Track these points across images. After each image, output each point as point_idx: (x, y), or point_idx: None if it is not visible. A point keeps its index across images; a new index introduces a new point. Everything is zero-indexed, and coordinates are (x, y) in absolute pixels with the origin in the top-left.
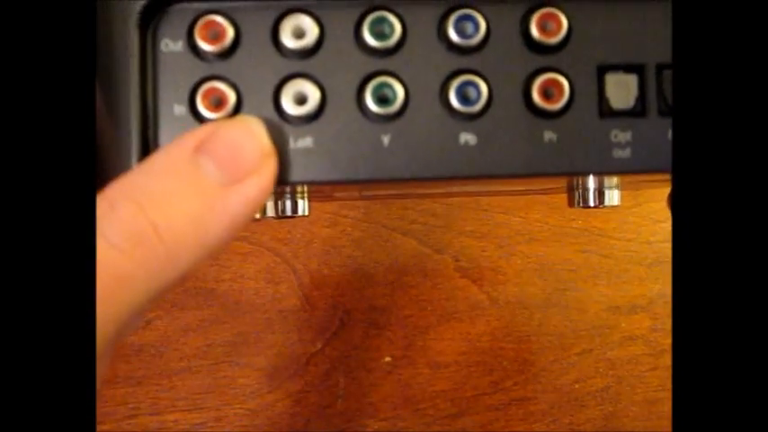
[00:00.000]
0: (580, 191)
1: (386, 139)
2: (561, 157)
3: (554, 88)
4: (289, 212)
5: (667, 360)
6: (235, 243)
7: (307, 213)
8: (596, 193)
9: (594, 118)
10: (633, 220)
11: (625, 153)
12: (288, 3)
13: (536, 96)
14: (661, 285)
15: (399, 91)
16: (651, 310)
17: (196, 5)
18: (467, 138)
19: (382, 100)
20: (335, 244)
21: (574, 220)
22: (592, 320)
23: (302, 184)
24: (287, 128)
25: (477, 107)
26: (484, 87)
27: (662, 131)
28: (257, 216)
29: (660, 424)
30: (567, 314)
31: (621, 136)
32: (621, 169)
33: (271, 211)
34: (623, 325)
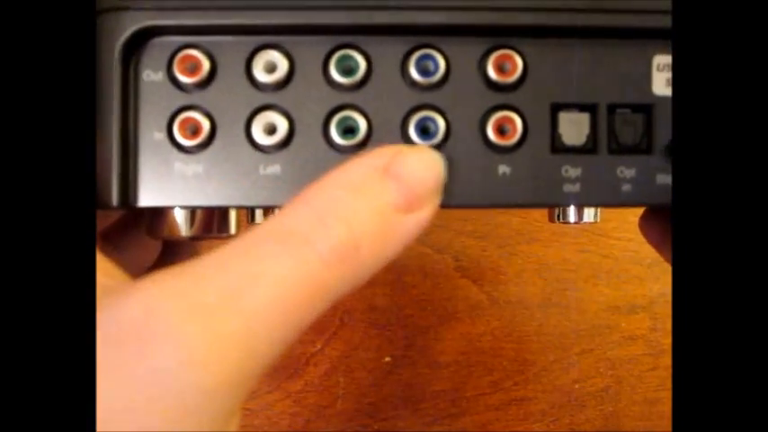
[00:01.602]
0: (561, 207)
1: None
2: (514, 189)
3: (508, 125)
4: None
5: (667, 360)
6: None
7: None
8: (576, 209)
9: (546, 153)
10: (633, 220)
11: (575, 187)
12: (261, 38)
13: (491, 132)
14: (661, 285)
15: (362, 124)
16: (651, 310)
17: (176, 39)
18: None
19: (347, 132)
20: None
21: None
22: (592, 320)
23: (271, 207)
24: (256, 155)
25: (436, 141)
26: (442, 122)
27: (610, 167)
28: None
29: (660, 424)
30: (567, 314)
31: (572, 171)
32: (570, 202)
33: (260, 218)
34: (623, 325)
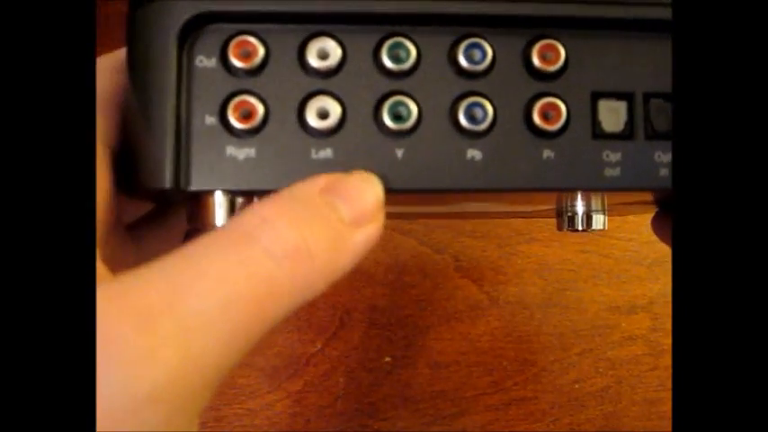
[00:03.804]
0: (569, 215)
1: (399, 153)
2: (558, 173)
3: (552, 111)
4: None
5: (667, 360)
6: None
7: None
8: (584, 217)
9: (588, 139)
10: (633, 220)
11: (615, 172)
12: (314, 27)
13: (536, 118)
14: (661, 285)
15: (413, 109)
16: (651, 310)
17: (230, 26)
18: (473, 153)
19: (397, 117)
20: None
21: None
22: (592, 320)
23: None
24: (308, 140)
25: (483, 126)
26: (489, 108)
27: (648, 153)
28: None
29: (660, 424)
30: (567, 314)
31: (612, 156)
32: (612, 186)
33: None
34: (623, 325)
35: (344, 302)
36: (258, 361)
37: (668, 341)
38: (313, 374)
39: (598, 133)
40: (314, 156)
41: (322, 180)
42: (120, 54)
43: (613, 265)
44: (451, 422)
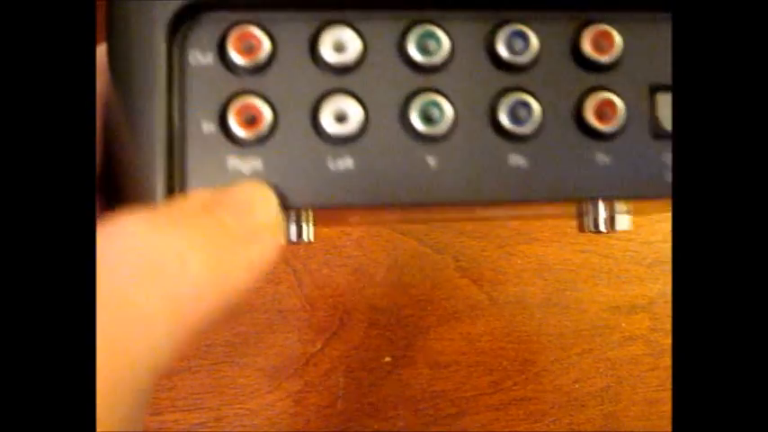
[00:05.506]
0: (591, 216)
1: (432, 161)
2: (615, 180)
3: (608, 108)
4: (294, 238)
5: (667, 360)
6: None
7: (312, 239)
8: (608, 219)
9: (648, 139)
10: (633, 220)
11: None
12: (328, 14)
13: (589, 116)
14: (661, 285)
15: (447, 109)
16: (651, 310)
17: (229, 15)
18: (517, 160)
19: (428, 119)
20: (336, 244)
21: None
22: (592, 320)
23: (342, 207)
24: (325, 148)
25: (528, 128)
26: (535, 106)
27: None
28: None
29: (660, 424)
30: (567, 314)
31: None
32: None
33: None
34: (623, 325)
35: (344, 302)
36: (258, 361)
37: (668, 341)
38: (313, 374)
39: (658, 132)
40: (332, 166)
41: (204, 193)
42: (101, 51)
43: (613, 265)
44: (451, 422)
